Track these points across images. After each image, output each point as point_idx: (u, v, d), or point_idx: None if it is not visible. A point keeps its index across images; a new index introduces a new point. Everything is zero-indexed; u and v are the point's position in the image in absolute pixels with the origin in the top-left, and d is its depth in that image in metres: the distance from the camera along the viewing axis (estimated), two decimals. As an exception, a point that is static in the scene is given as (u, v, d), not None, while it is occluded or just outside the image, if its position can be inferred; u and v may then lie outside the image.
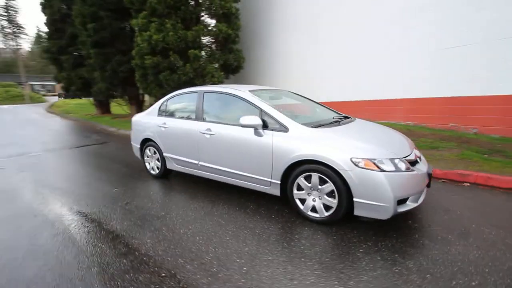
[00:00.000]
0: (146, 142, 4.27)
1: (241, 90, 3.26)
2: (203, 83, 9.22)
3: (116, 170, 4.82)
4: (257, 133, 2.89)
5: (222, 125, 3.26)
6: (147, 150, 4.28)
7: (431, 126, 6.15)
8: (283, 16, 10.05)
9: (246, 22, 10.50)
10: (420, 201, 2.47)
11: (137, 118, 4.60)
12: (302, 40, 9.47)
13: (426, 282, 1.82)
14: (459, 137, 5.35)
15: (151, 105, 5.83)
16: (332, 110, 3.76)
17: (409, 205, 2.38)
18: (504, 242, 2.24)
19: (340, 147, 2.45)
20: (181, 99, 3.96)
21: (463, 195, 3.22)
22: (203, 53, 8.81)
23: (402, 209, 2.33)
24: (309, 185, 2.60)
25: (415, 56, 6.23)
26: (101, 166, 5.07)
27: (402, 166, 2.36)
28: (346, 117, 3.40)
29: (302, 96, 4.06)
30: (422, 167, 2.61)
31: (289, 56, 10.04)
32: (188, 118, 3.72)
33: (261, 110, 2.94)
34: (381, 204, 2.26)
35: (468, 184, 3.50)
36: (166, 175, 4.16)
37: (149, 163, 4.32)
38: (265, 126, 2.87)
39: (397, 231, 2.45)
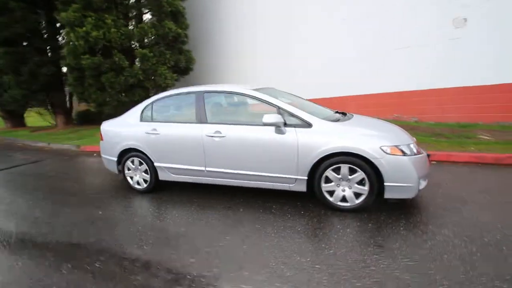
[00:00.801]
0: (126, 153, 3.70)
1: (248, 89, 3.16)
2: (155, 86, 8.50)
3: (79, 190, 4.05)
4: (279, 131, 2.85)
5: (233, 126, 3.09)
6: (128, 162, 3.70)
7: (380, 117, 7.14)
8: (234, 15, 10.02)
9: (193, 22, 10.09)
10: (427, 179, 2.87)
11: (109, 126, 3.94)
12: (254, 39, 9.65)
13: (465, 240, 2.14)
14: (404, 125, 6.36)
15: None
16: (323, 107, 3.99)
17: (423, 183, 2.74)
18: (495, 201, 2.81)
19: (366, 138, 2.64)
20: (172, 101, 3.58)
21: (439, 172, 3.85)
22: (151, 53, 8.06)
23: (420, 187, 2.67)
24: (339, 176, 2.71)
25: (365, 57, 7.11)
26: (55, 188, 4.17)
27: (415, 150, 2.70)
28: (343, 113, 3.65)
29: (291, 94, 4.17)
30: (421, 150, 3.03)
31: (242, 56, 10.09)
32: (186, 121, 3.38)
33: (279, 107, 2.91)
34: (408, 184, 2.54)
35: (435, 162, 4.22)
36: (155, 188, 3.70)
37: (131, 177, 3.75)
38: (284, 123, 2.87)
39: (416, 209, 2.78)
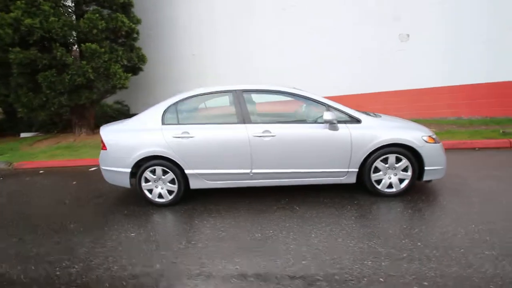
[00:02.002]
0: (144, 163, 3.15)
1: (290, 88, 3.18)
2: (108, 86, 7.35)
3: (71, 209, 3.26)
4: (333, 127, 2.98)
5: (283, 124, 3.06)
6: (147, 173, 3.16)
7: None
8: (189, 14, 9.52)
9: (142, 17, 9.15)
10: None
11: (115, 133, 3.30)
12: (214, 39, 9.42)
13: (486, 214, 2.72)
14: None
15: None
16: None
17: (444, 166, 3.32)
18: (500, 178, 3.57)
19: (408, 130, 3.05)
20: (201, 101, 3.26)
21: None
22: (103, 49, 6.92)
23: (444, 169, 3.25)
24: (386, 165, 3.03)
25: (327, 63, 7.87)
26: (41, 207, 3.22)
27: (437, 138, 3.27)
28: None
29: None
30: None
31: (200, 57, 9.70)
32: (225, 122, 3.14)
33: (328, 105, 3.04)
34: (441, 167, 3.05)
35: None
36: (181, 199, 3.27)
37: (150, 190, 3.22)
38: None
39: (439, 190, 3.30)
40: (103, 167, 3.32)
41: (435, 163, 3.02)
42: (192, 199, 3.34)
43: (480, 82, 6.28)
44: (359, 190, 3.27)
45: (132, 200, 3.55)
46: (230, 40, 9.19)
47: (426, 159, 2.99)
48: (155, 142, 3.12)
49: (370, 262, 2.03)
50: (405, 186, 3.07)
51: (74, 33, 6.65)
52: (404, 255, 2.09)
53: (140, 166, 3.17)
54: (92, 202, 3.61)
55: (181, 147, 3.09)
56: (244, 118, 3.10)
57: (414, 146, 2.96)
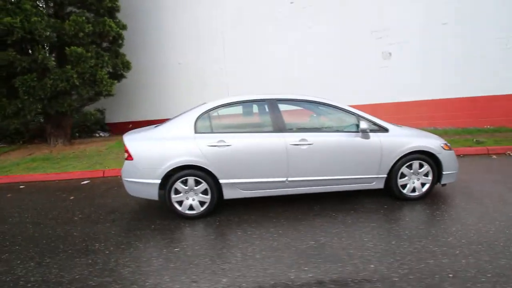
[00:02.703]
0: (175, 173, 2.98)
1: (323, 98, 3.30)
2: (93, 93, 6.83)
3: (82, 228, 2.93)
4: (365, 136, 3.14)
5: (319, 133, 3.15)
6: (179, 184, 3.00)
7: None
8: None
9: (127, 23, 8.77)
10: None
11: (143, 141, 3.09)
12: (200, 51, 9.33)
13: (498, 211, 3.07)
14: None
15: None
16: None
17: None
18: (498, 181, 3.99)
19: (429, 139, 3.32)
20: (234, 109, 3.20)
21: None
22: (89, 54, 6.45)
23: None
24: (411, 171, 3.26)
25: (314, 77, 8.26)
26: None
27: (450, 145, 3.60)
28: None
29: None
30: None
31: (186, 68, 9.53)
32: (260, 130, 3.14)
33: (358, 115, 3.21)
34: (455, 171, 3.37)
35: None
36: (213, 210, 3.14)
37: (179, 202, 3.04)
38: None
39: (451, 193, 3.61)
40: (128, 179, 3.06)
41: (451, 168, 3.34)
42: (217, 211, 3.22)
43: (453, 96, 7.12)
44: (379, 196, 3.45)
45: (152, 213, 3.32)
46: (218, 49, 9.21)
47: (444, 164, 3.28)
48: (188, 151, 2.99)
49: (431, 261, 2.15)
50: (426, 190, 3.33)
51: (58, 36, 6.10)
52: (457, 252, 2.26)
53: (169, 177, 3.00)
54: (107, 218, 3.28)
55: (216, 156, 3.00)
56: (279, 126, 3.12)
57: (435, 153, 3.24)
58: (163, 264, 2.29)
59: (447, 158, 3.29)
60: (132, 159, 3.01)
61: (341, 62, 7.94)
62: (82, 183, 4.92)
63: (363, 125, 3.03)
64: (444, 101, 7.23)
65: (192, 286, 2.00)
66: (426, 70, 7.31)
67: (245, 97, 3.25)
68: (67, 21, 6.04)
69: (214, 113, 3.18)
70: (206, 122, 3.13)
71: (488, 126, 6.82)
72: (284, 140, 3.06)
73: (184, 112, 3.25)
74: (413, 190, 3.32)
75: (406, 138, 3.25)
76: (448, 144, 3.39)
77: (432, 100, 7.44)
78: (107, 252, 2.53)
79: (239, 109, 3.32)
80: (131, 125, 10.62)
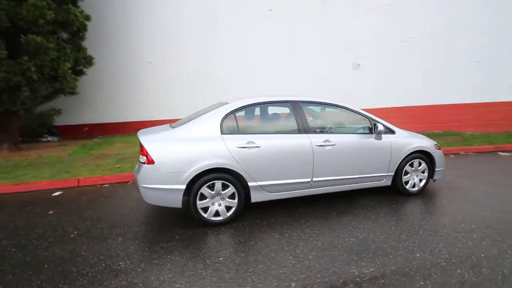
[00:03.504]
0: (200, 177, 2.76)
1: (339, 101, 3.45)
2: (52, 90, 5.88)
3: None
4: (378, 137, 3.39)
5: (339, 134, 3.28)
6: (205, 189, 2.78)
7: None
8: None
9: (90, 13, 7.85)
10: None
11: (165, 143, 2.79)
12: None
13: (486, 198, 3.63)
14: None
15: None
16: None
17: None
18: (477, 177, 4.65)
19: (424, 140, 3.74)
20: (259, 109, 3.12)
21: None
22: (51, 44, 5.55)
23: (439, 170, 4.10)
24: (413, 168, 3.63)
25: (289, 84, 8.56)
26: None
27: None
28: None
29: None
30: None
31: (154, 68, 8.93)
32: (286, 132, 3.12)
33: (370, 118, 3.45)
34: (443, 168, 3.86)
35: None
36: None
37: (204, 209, 2.82)
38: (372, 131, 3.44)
39: (440, 188, 4.10)
40: (148, 185, 2.71)
41: (441, 165, 3.82)
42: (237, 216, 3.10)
43: (418, 104, 8.16)
44: (379, 194, 3.74)
45: (165, 223, 3.02)
46: (192, 49, 8.88)
47: (436, 162, 3.75)
48: (217, 153, 2.81)
49: (460, 245, 2.44)
50: (423, 185, 3.75)
51: (11, 21, 5.09)
52: (475, 236, 2.60)
53: (194, 181, 2.77)
54: (113, 232, 2.84)
55: (245, 158, 2.88)
56: (305, 128, 3.17)
57: (431, 152, 3.68)
58: (216, 275, 2.10)
59: (438, 156, 3.76)
60: (153, 163, 2.69)
61: (316, 69, 8.42)
62: (54, 194, 4.16)
63: (380, 127, 3.28)
64: (402, 109, 8.25)
65: (262, 294, 1.89)
66: (388, 81, 8.24)
67: (268, 98, 3.21)
68: (24, 4, 5.09)
69: (239, 113, 3.06)
70: (232, 123, 2.99)
71: (438, 131, 8.02)
72: (310, 141, 3.12)
73: (204, 112, 3.05)
74: (413, 185, 3.70)
75: (408, 139, 3.62)
76: (438, 145, 3.89)
77: (393, 108, 8.42)
78: (140, 270, 2.20)
79: (263, 110, 3.26)
80: (86, 128, 9.50)
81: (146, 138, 2.81)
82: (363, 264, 2.20)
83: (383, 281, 1.99)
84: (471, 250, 2.36)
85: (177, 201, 2.77)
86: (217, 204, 2.89)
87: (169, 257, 2.37)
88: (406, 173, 3.63)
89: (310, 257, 2.31)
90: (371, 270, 2.13)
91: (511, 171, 4.96)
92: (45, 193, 4.25)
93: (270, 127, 3.26)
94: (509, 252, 2.32)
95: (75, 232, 2.89)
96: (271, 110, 3.31)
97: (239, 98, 3.36)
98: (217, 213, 2.89)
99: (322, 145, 3.15)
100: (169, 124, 3.64)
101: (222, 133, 2.91)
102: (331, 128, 3.42)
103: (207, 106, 3.86)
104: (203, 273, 2.13)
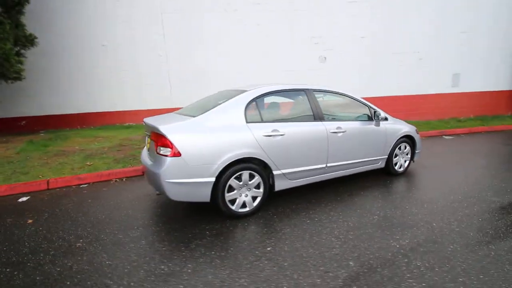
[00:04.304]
0: (229, 168, 2.62)
1: (344, 90, 3.62)
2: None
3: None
4: (377, 123, 3.69)
5: (348, 122, 3.46)
6: (233, 180, 2.65)
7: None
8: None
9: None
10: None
11: (190, 134, 2.57)
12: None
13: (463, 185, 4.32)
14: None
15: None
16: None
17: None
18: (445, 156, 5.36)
19: (408, 125, 4.20)
20: (278, 97, 3.07)
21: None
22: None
23: (414, 152, 4.68)
24: (400, 151, 4.06)
25: (259, 74, 8.55)
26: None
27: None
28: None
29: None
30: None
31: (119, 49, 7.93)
32: (303, 119, 3.16)
33: (369, 106, 3.72)
34: (420, 150, 4.42)
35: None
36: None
37: (232, 200, 2.70)
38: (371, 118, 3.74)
39: (417, 169, 4.65)
40: (174, 180, 2.45)
41: (419, 147, 4.38)
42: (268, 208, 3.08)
43: (372, 96, 8.99)
44: (371, 175, 4.12)
45: (184, 218, 2.83)
46: (156, 33, 8.13)
47: (417, 145, 4.29)
48: (244, 142, 2.70)
49: (466, 211, 2.87)
50: (407, 166, 4.25)
51: None
52: (465, 204, 3.09)
53: (222, 173, 2.62)
54: (130, 236, 2.52)
55: (271, 146, 2.84)
56: (319, 115, 3.26)
57: (414, 136, 4.18)
58: (274, 264, 2.06)
59: (418, 140, 4.30)
60: (179, 156, 2.44)
61: (283, 60, 8.59)
62: (20, 200, 3.43)
63: (383, 114, 3.58)
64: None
65: (329, 275, 1.93)
66: (347, 74, 8.91)
67: (284, 86, 3.20)
68: None
69: (260, 101, 2.98)
70: (255, 111, 2.89)
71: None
72: (325, 128, 3.23)
73: (229, 99, 2.87)
74: (400, 166, 4.17)
75: (397, 125, 4.04)
76: (417, 129, 4.44)
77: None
78: (190, 271, 2.01)
79: (280, 98, 3.22)
80: (24, 122, 7.98)
81: (167, 128, 2.52)
82: (398, 237, 2.43)
83: (422, 249, 2.25)
84: (472, 216, 2.81)
85: (206, 195, 2.59)
86: (244, 195, 2.80)
87: (213, 254, 2.23)
88: (395, 155, 4.08)
89: (350, 237, 2.45)
90: (407, 241, 2.36)
91: (462, 150, 5.93)
92: (6, 200, 3.47)
93: (289, 114, 3.26)
94: (494, 212, 2.85)
95: (80, 240, 2.47)
96: (289, 97, 3.30)
97: (253, 85, 3.26)
98: (243, 205, 2.81)
99: (335, 132, 3.30)
100: (174, 112, 3.35)
101: (246, 121, 2.80)
102: (339, 115, 3.59)
103: (211, 94, 3.66)
104: (261, 265, 2.07)
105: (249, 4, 8.11)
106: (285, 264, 2.08)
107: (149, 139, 3.03)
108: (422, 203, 3.14)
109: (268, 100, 3.17)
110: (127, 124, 8.37)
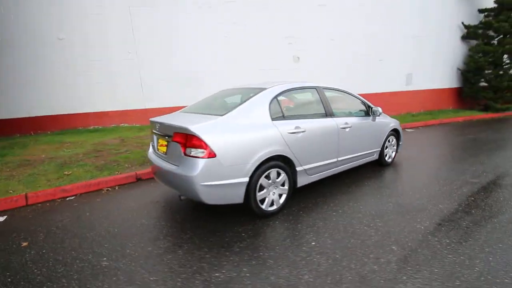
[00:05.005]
0: (260, 167, 2.57)
1: (346, 88, 3.82)
2: None
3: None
4: (374, 118, 3.96)
5: (351, 117, 3.65)
6: (263, 179, 2.61)
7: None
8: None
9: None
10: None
11: (224, 133, 2.47)
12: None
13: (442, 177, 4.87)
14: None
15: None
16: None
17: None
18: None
19: (394, 120, 4.59)
20: (295, 94, 3.14)
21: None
22: None
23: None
24: (389, 143, 4.43)
25: (237, 73, 8.46)
26: None
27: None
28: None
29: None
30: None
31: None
32: (317, 116, 3.24)
33: (365, 103, 3.98)
34: (402, 142, 4.88)
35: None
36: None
37: (261, 200, 2.66)
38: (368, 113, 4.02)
39: (403, 161, 5.16)
40: (210, 183, 2.31)
41: (402, 140, 4.84)
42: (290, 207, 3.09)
43: None
44: (367, 167, 4.46)
45: (208, 222, 2.71)
46: (124, 28, 7.46)
47: (401, 138, 4.73)
48: (273, 140, 2.68)
49: (465, 190, 3.29)
50: (394, 156, 4.67)
51: None
52: (455, 187, 3.52)
53: (255, 172, 2.57)
54: (161, 246, 2.30)
55: (295, 143, 2.87)
56: (330, 112, 3.38)
57: (399, 129, 4.61)
58: (327, 258, 2.10)
59: (401, 133, 4.76)
60: (214, 156, 2.31)
61: (259, 59, 8.64)
62: (-3, 221, 2.86)
63: (380, 110, 3.87)
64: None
65: (381, 261, 2.05)
66: (320, 74, 9.37)
67: (298, 84, 3.24)
68: None
69: (281, 99, 2.97)
70: (277, 108, 2.88)
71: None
72: (336, 124, 3.38)
73: (252, 97, 2.80)
74: (389, 157, 4.56)
75: (387, 120, 4.41)
76: (399, 123, 4.90)
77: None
78: (248, 274, 1.93)
79: (298, 95, 3.25)
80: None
81: (199, 128, 2.36)
82: (419, 220, 2.67)
83: (443, 228, 2.51)
84: (465, 196, 3.22)
85: (239, 196, 2.50)
86: (271, 193, 2.77)
87: (262, 255, 2.17)
88: (386, 147, 4.45)
89: (380, 224, 2.61)
90: (427, 223, 2.60)
91: (425, 141, 6.67)
92: (-24, 221, 2.87)
93: (305, 111, 3.30)
94: (480, 192, 3.31)
95: (104, 259, 2.18)
96: (302, 95, 3.35)
97: (270, 82, 3.23)
98: (271, 203, 2.78)
99: (344, 127, 3.47)
100: (180, 111, 3.17)
101: (272, 119, 2.77)
102: (344, 112, 3.77)
103: (213, 93, 3.54)
104: (315, 260, 2.09)
105: (225, 1, 7.96)
106: (337, 256, 2.14)
107: (162, 140, 2.81)
108: (420, 189, 3.49)
109: (284, 97, 3.19)
110: (92, 127, 7.54)
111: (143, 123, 7.93)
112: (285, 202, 2.90)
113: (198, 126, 2.40)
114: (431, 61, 10.50)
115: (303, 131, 2.96)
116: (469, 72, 10.33)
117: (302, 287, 1.81)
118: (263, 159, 2.58)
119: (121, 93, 7.73)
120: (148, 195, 3.53)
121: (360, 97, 4.02)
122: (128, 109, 7.94)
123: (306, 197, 3.28)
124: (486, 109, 10.28)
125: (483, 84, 10.40)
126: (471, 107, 10.99)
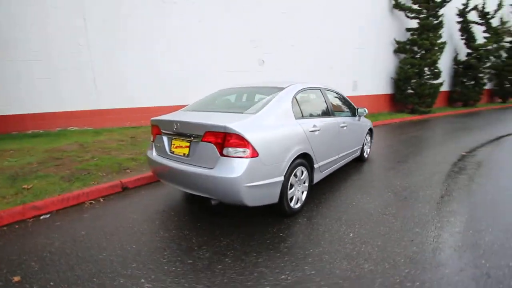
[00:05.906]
0: (291, 164, 2.56)
1: (338, 89, 4.07)
2: None
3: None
4: (359, 118, 4.32)
5: (346, 117, 3.92)
6: (292, 177, 2.61)
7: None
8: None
9: None
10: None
11: (262, 132, 2.39)
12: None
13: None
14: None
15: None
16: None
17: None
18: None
19: (369, 120, 5.09)
20: (306, 94, 3.17)
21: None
22: None
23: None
24: (367, 141, 4.90)
25: (197, 76, 8.15)
26: None
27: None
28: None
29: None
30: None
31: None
32: (324, 115, 3.41)
33: (352, 104, 4.32)
34: (373, 140, 5.46)
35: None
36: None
37: (291, 197, 2.65)
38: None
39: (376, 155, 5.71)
40: (253, 183, 2.18)
41: (373, 138, 5.42)
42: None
43: None
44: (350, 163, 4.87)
45: (231, 225, 2.60)
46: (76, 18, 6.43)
47: (373, 136, 5.29)
48: (299, 138, 2.72)
49: (437, 177, 3.83)
50: (370, 152, 5.19)
51: None
52: (436, 175, 4.11)
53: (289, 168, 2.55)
54: (199, 258, 2.08)
55: (314, 141, 2.96)
56: (332, 111, 3.58)
57: (372, 128, 5.15)
58: (371, 249, 2.22)
59: (373, 132, 5.33)
60: (257, 155, 2.20)
61: (225, 60, 8.51)
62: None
63: (366, 111, 4.26)
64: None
65: (415, 250, 2.27)
66: (283, 77, 9.74)
67: (308, 84, 3.32)
68: None
69: (298, 98, 3.00)
70: (296, 108, 2.90)
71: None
72: (337, 122, 3.59)
73: (274, 94, 2.75)
74: (366, 153, 5.06)
75: (366, 120, 4.88)
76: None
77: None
78: (314, 272, 1.90)
79: (309, 94, 3.31)
80: None
81: (241, 126, 2.21)
82: (421, 205, 3.05)
83: (446, 197, 2.93)
84: (447, 176, 3.80)
85: (275, 196, 2.45)
86: (297, 190, 2.79)
87: (312, 252, 2.17)
88: (365, 144, 4.92)
89: (393, 212, 2.88)
90: (429, 205, 3.01)
91: (388, 136, 7.56)
92: None
93: (316, 111, 3.39)
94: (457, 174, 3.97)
95: (142, 281, 1.85)
96: (311, 95, 3.44)
97: (286, 81, 3.24)
98: (298, 200, 2.80)
99: (342, 126, 3.72)
100: (182, 110, 2.97)
101: (295, 117, 2.79)
102: (339, 112, 4.03)
103: (211, 93, 3.38)
104: (362, 249, 2.19)
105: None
106: (379, 243, 2.28)
107: (179, 141, 2.55)
108: (410, 177, 3.94)
109: (301, 97, 3.24)
110: (31, 131, 6.24)
111: (97, 126, 6.96)
112: (306, 199, 2.96)
113: (238, 124, 2.27)
114: (371, 71, 12.02)
115: (319, 130, 3.07)
116: (400, 80, 12.18)
117: (368, 275, 1.89)
118: (294, 156, 2.59)
119: (68, 91, 6.64)
120: (147, 204, 3.13)
121: (348, 98, 4.37)
122: (77, 109, 6.86)
123: (314, 193, 3.39)
124: (413, 112, 12.27)
125: (410, 91, 12.39)
126: (401, 110, 12.95)
